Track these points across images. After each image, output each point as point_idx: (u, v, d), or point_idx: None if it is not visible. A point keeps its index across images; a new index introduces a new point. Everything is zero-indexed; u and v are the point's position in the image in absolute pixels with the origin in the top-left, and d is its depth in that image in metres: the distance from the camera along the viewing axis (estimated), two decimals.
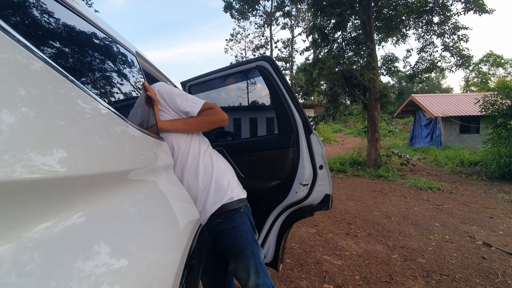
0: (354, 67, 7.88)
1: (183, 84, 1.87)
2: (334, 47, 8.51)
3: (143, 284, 0.48)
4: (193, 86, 1.84)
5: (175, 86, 1.89)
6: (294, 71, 25.82)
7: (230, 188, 1.22)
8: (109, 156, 0.60)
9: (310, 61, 10.19)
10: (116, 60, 0.96)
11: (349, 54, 8.42)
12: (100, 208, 0.52)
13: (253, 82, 1.71)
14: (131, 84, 1.03)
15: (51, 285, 0.35)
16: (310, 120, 9.86)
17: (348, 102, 10.77)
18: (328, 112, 8.66)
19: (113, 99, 0.84)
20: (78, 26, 0.74)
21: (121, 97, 0.92)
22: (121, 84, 0.96)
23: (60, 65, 0.54)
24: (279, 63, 25.98)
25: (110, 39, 0.94)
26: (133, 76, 1.05)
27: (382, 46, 9.60)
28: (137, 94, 1.04)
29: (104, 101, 0.70)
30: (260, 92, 1.76)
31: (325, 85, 10.19)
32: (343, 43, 8.41)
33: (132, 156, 0.74)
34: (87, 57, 0.76)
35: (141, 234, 0.58)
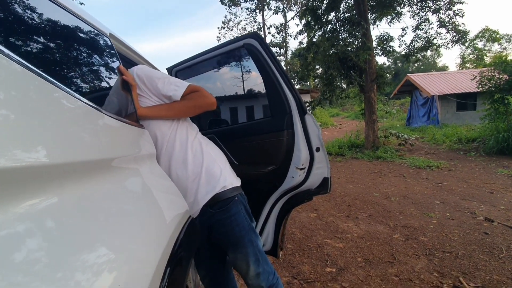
0: (349, 48, 7.71)
1: (169, 70, 1.77)
2: (328, 29, 8.30)
3: (113, 279, 0.42)
4: (180, 71, 1.74)
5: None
6: (288, 57, 25.40)
7: (222, 176, 1.15)
8: (81, 146, 0.56)
9: (304, 45, 9.98)
10: (87, 44, 0.88)
11: (344, 35, 8.23)
12: (75, 195, 0.50)
13: (244, 63, 1.61)
14: (106, 69, 0.94)
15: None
16: (306, 105, 9.77)
17: (344, 85, 10.65)
18: (324, 96, 8.55)
19: (84, 86, 0.75)
20: (43, 8, 0.66)
21: (94, 83, 0.84)
22: (94, 70, 0.88)
23: (23, 54, 0.51)
24: (273, 49, 25.49)
25: (80, 21, 0.85)
26: (107, 60, 0.97)
27: (377, 26, 9.37)
28: (113, 79, 0.95)
29: (73, 89, 0.63)
30: (253, 74, 1.67)
31: (320, 69, 10.01)
32: (337, 24, 8.20)
33: (106, 146, 0.67)
34: (54, 42, 0.67)
35: (115, 225, 0.52)
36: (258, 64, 1.39)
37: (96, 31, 0.95)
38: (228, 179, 1.16)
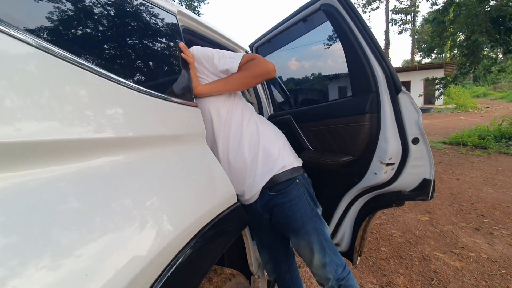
0: (510, 3, 5.59)
1: (251, 46, 1.70)
2: None
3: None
4: (260, 47, 1.64)
5: (246, 51, 1.75)
6: (417, 24, 21.02)
7: (281, 156, 1.06)
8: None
9: (439, 6, 7.96)
10: (150, 25, 0.89)
11: None
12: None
13: (324, 31, 1.34)
14: (167, 50, 0.95)
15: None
16: (436, 82, 7.89)
17: (500, 55, 7.96)
18: (462, 70, 6.66)
19: (144, 72, 0.78)
20: None
21: (153, 68, 0.86)
22: (153, 51, 0.89)
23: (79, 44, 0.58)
24: (397, 16, 21.53)
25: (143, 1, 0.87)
26: (170, 40, 0.97)
27: None
28: (173, 59, 0.96)
29: (130, 76, 0.71)
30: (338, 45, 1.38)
31: (461, 35, 7.79)
32: None
33: (145, 122, 0.69)
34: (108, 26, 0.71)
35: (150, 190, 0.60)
36: (337, 29, 1.12)
37: (162, 10, 0.96)
38: (287, 159, 1.07)
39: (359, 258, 1.41)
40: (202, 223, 0.71)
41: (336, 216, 1.36)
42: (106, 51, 0.67)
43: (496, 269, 2.01)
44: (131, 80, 0.69)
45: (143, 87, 0.72)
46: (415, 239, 2.51)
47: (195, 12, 14.42)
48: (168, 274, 0.56)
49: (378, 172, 1.09)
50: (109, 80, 0.61)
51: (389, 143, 1.04)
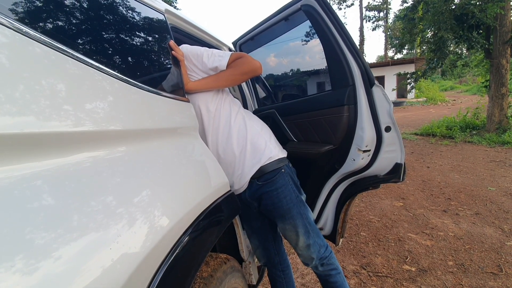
0: (472, 2, 6.00)
1: (234, 44, 1.76)
2: None
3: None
4: (243, 44, 1.71)
5: (230, 48, 1.81)
6: (390, 21, 21.86)
7: (267, 148, 1.13)
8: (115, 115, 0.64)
9: (409, 4, 8.36)
10: (140, 23, 0.93)
11: None
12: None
13: (305, 29, 1.43)
14: (158, 46, 0.99)
15: None
16: (407, 77, 8.35)
17: (464, 50, 8.50)
18: (430, 65, 7.07)
19: (139, 67, 0.81)
20: None
21: (146, 64, 0.90)
22: (145, 47, 0.93)
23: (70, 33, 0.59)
24: (371, 13, 22.37)
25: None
26: (161, 38, 1.01)
27: None
28: (164, 56, 1.00)
29: (128, 70, 0.74)
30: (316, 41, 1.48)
31: (429, 32, 8.25)
32: None
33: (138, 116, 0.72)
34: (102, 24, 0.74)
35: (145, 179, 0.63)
36: (317, 28, 1.21)
37: (150, 9, 1.00)
38: (273, 151, 1.15)
39: (341, 240, 1.54)
40: (200, 209, 0.77)
41: (319, 202, 1.47)
42: (101, 47, 0.71)
43: (461, 245, 2.23)
44: (124, 74, 0.71)
45: (139, 82, 0.76)
46: (391, 223, 2.71)
47: (172, 6, 14.09)
48: (171, 260, 0.59)
49: (356, 158, 1.21)
50: (102, 72, 0.64)
51: (365, 132, 1.16)
